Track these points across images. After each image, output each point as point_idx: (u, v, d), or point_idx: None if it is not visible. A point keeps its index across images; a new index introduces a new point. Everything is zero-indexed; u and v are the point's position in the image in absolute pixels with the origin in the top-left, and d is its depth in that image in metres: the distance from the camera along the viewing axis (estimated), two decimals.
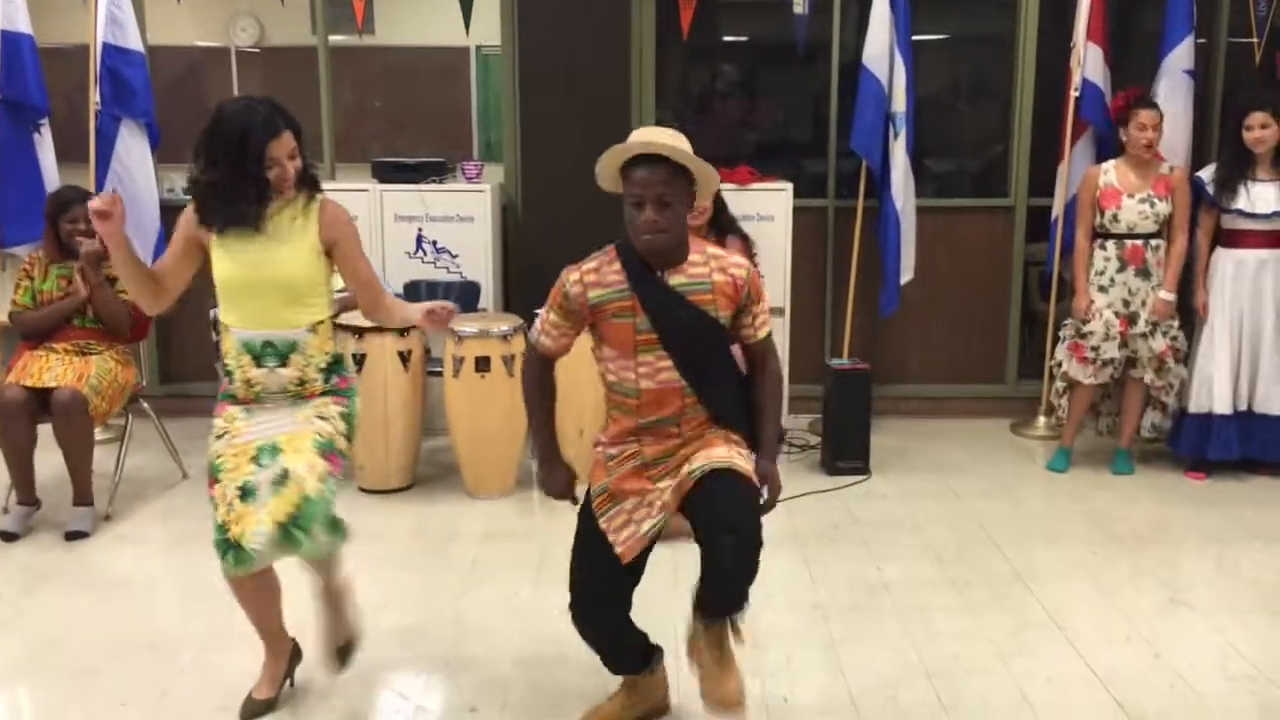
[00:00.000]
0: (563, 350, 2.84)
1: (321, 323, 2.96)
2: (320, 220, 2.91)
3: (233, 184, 2.78)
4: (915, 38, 5.61)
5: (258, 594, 3.02)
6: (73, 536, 4.35)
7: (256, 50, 9.46)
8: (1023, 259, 6.09)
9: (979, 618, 3.75)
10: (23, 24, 5.42)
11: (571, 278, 2.75)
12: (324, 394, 2.98)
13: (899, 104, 5.54)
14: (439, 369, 4.96)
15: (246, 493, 2.82)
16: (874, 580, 4.05)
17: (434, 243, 5.61)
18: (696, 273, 2.72)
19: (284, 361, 2.91)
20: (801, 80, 6.79)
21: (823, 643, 3.57)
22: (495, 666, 3.43)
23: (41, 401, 4.37)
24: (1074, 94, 5.53)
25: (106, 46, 5.45)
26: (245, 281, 2.87)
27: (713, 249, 2.79)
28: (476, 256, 5.62)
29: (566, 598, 2.89)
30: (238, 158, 2.76)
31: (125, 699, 3.22)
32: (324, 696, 3.24)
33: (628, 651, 3.01)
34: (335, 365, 3.02)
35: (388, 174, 5.68)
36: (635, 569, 2.84)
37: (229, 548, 2.81)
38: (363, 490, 4.93)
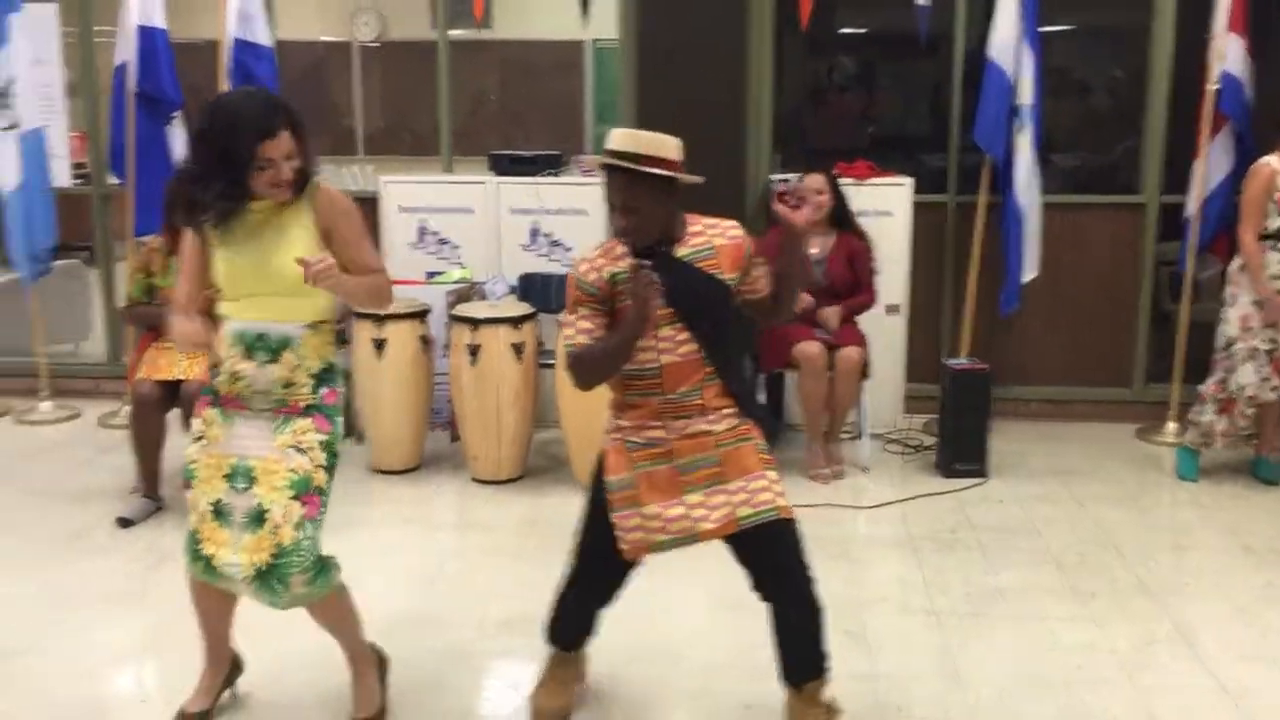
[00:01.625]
0: (598, 335, 2.80)
1: (323, 323, 2.84)
2: (315, 207, 2.78)
3: (217, 178, 2.65)
4: (1044, 29, 5.44)
5: (216, 601, 2.97)
6: None
7: (377, 45, 9.65)
8: (1153, 258, 5.86)
9: (1103, 629, 3.62)
10: (158, 19, 5.61)
11: (582, 269, 2.80)
12: (307, 409, 2.81)
13: (1025, 97, 5.38)
14: (551, 361, 4.99)
15: (220, 513, 2.80)
16: (991, 587, 3.94)
17: (549, 236, 5.64)
18: (698, 242, 2.79)
19: (275, 357, 2.78)
20: (922, 72, 6.67)
21: (938, 650, 3.48)
22: (603, 661, 3.41)
23: (170, 392, 4.51)
24: (1213, 87, 5.29)
25: (237, 41, 5.60)
26: (243, 273, 2.76)
27: (706, 219, 2.83)
28: (590, 250, 5.62)
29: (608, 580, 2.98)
30: (227, 156, 2.63)
31: (246, 676, 3.29)
32: (435, 689, 3.27)
33: (583, 629, 3.10)
34: (326, 374, 2.86)
35: (504, 167, 5.73)
36: (632, 564, 2.92)
37: (199, 557, 2.82)
38: (475, 481, 4.98)
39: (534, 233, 5.65)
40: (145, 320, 4.66)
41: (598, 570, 2.97)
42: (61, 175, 6.05)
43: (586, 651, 3.18)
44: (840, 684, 3.20)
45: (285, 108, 2.71)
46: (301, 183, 2.76)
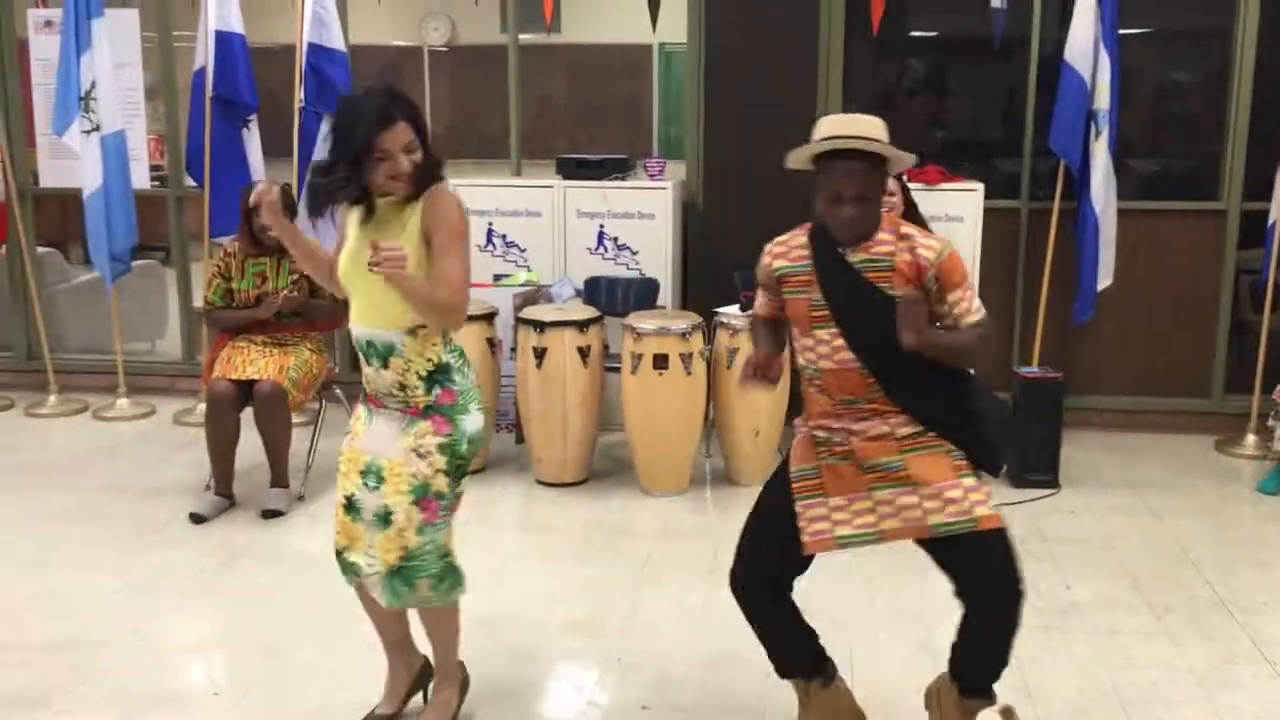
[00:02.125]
0: (771, 314, 2.89)
1: (423, 326, 2.75)
2: (424, 209, 2.70)
3: (338, 171, 2.65)
4: (1122, 31, 5.33)
5: (375, 605, 2.95)
6: (269, 515, 4.56)
7: (447, 49, 9.74)
8: (1234, 266, 5.71)
9: (1179, 646, 3.53)
10: (235, 24, 5.71)
11: (765, 249, 2.81)
12: (426, 411, 2.79)
13: (1102, 101, 5.27)
14: (617, 365, 4.99)
15: (352, 507, 2.84)
16: (1063, 600, 3.86)
17: (615, 239, 5.65)
18: (881, 251, 2.65)
19: (385, 363, 2.78)
20: (993, 76, 6.56)
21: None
22: (667, 665, 3.41)
23: (244, 392, 4.58)
24: None
25: (311, 46, 5.69)
26: (350, 276, 2.77)
27: (910, 229, 2.68)
28: (656, 254, 5.62)
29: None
30: (348, 146, 2.63)
31: (315, 674, 3.34)
32: (497, 689, 3.28)
33: (788, 644, 2.92)
34: (439, 375, 2.79)
35: (571, 170, 5.74)
36: (806, 560, 2.79)
37: (337, 556, 2.90)
38: (539, 483, 5.00)
39: (600, 236, 5.66)
40: (225, 324, 4.74)
41: (768, 566, 2.81)
42: (140, 177, 6.17)
43: (844, 684, 2.96)
44: (910, 697, 3.17)
45: (406, 102, 2.69)
46: (425, 181, 2.71)
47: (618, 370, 4.98)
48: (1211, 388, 5.80)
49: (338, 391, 5.09)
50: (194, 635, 3.63)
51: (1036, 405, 4.96)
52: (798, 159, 2.65)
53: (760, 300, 2.92)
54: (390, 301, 2.68)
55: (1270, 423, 4.92)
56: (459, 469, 2.83)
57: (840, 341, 2.66)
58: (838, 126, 2.62)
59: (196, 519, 4.51)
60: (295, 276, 4.68)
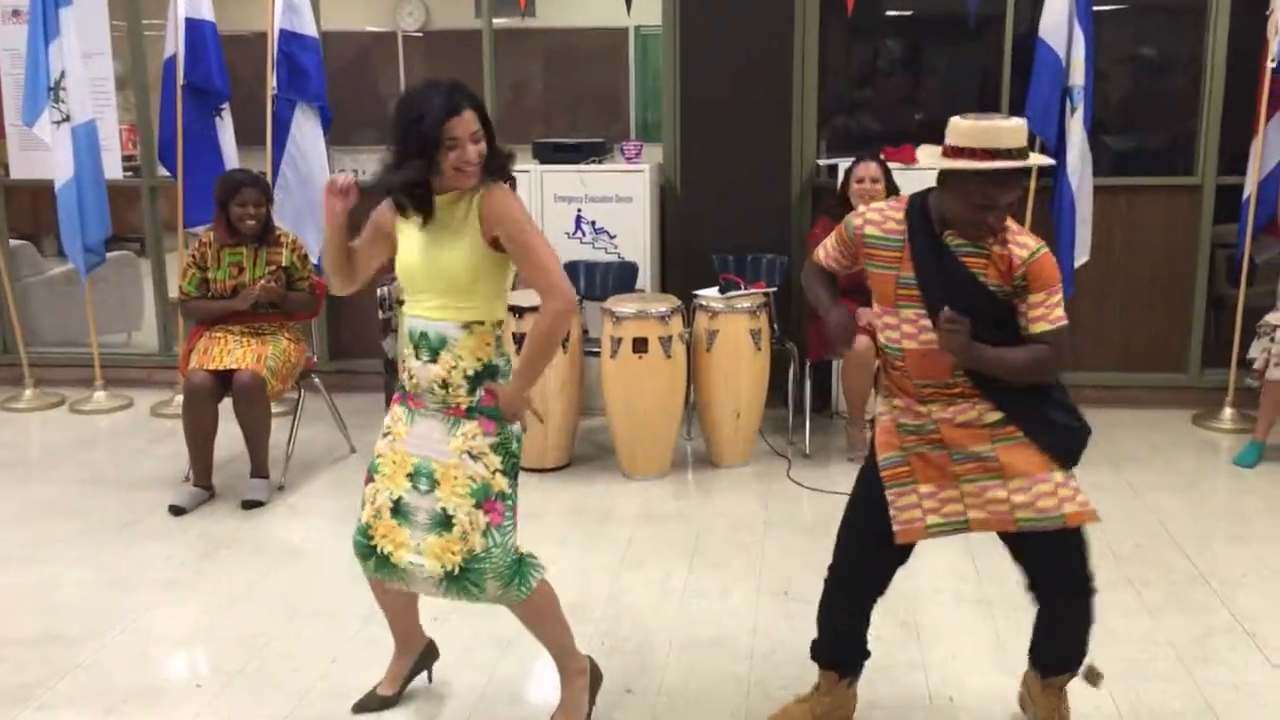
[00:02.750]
0: (831, 264, 2.84)
1: (480, 323, 2.74)
2: (481, 212, 2.68)
3: (410, 165, 2.64)
4: (1096, 8, 5.33)
5: (394, 595, 2.98)
6: (249, 505, 4.54)
7: (421, 34, 9.67)
8: (1209, 241, 5.74)
9: (1159, 620, 3.55)
10: (206, 12, 5.65)
11: (857, 210, 2.77)
12: (469, 412, 2.75)
13: (1077, 78, 5.27)
14: (597, 349, 4.98)
15: (400, 512, 2.78)
16: None
17: (593, 223, 5.63)
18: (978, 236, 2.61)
19: (434, 357, 2.74)
20: (970, 55, 6.56)
21: (990, 640, 3.44)
22: (650, 649, 3.41)
23: (222, 382, 4.55)
24: (1271, 65, 5.16)
25: (283, 33, 5.64)
26: (414, 269, 2.74)
27: (1015, 225, 2.63)
28: (635, 237, 5.61)
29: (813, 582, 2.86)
30: (415, 136, 2.60)
31: (296, 664, 3.33)
32: (482, 674, 3.28)
33: (847, 641, 2.91)
34: (485, 374, 2.76)
35: (548, 155, 5.72)
36: (905, 550, 2.78)
37: (370, 553, 2.81)
38: (521, 469, 4.98)
39: (578, 220, 5.64)
40: (201, 314, 4.71)
41: (867, 559, 2.80)
42: (112, 167, 6.11)
43: (856, 689, 2.97)
44: (893, 673, 3.19)
45: (470, 92, 2.68)
46: (492, 172, 2.71)
47: (597, 354, 4.97)
48: (1189, 362, 5.84)
49: (316, 381, 5.07)
50: (175, 627, 3.61)
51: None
52: (940, 165, 2.56)
53: (827, 247, 2.83)
54: (448, 293, 2.70)
55: (1251, 354, 4.96)
56: (514, 467, 2.82)
57: (926, 322, 2.61)
58: (999, 138, 2.49)
59: (176, 511, 4.49)
60: (272, 267, 4.64)
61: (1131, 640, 3.42)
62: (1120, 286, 5.81)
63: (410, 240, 2.76)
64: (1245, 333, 5.27)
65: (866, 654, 2.94)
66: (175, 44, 5.65)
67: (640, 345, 4.74)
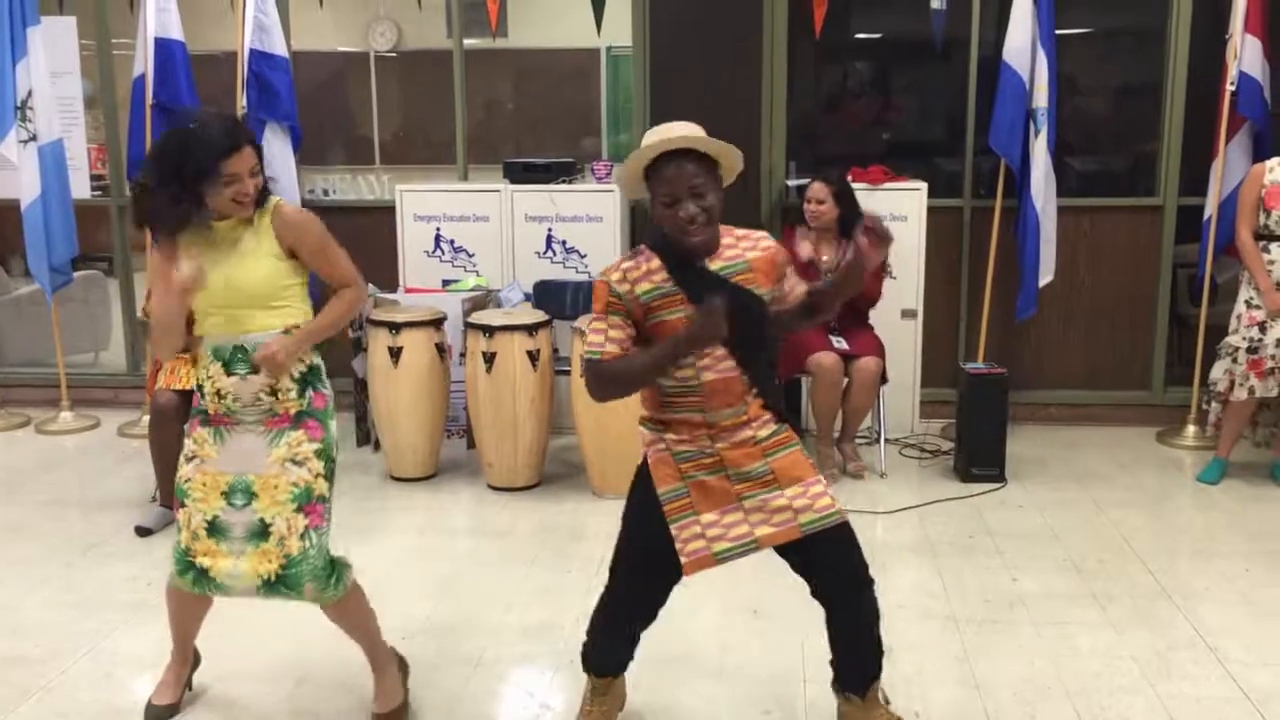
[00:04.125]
0: (625, 347, 2.61)
1: (298, 326, 2.89)
2: (274, 227, 2.84)
3: (178, 197, 2.73)
4: (1059, 31, 5.42)
5: (192, 606, 3.06)
6: None
7: (394, 54, 9.69)
8: (1171, 261, 5.83)
9: (1122, 635, 3.59)
10: (175, 32, 5.65)
11: (614, 278, 2.61)
12: (298, 417, 2.87)
13: (1041, 100, 5.36)
14: (567, 368, 4.99)
15: (216, 530, 2.85)
16: (1009, 592, 3.92)
17: (563, 242, 5.65)
18: (732, 255, 2.65)
19: (255, 368, 2.83)
20: (936, 77, 6.65)
21: (955, 656, 3.47)
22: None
23: (190, 402, 4.51)
24: (1229, 88, 5.26)
25: (253, 52, 5.65)
26: (213, 289, 2.79)
27: (738, 230, 2.70)
28: (605, 256, 5.63)
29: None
30: (192, 172, 2.70)
31: (263, 685, 3.31)
32: (452, 696, 3.27)
33: (621, 654, 2.98)
34: (311, 377, 2.92)
35: (518, 174, 5.74)
36: (677, 577, 2.77)
37: (190, 568, 2.87)
38: (491, 487, 4.99)
39: (549, 239, 5.66)
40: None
41: (641, 586, 2.83)
42: (80, 187, 6.09)
43: (624, 676, 3.07)
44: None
45: (244, 126, 2.84)
46: (260, 201, 2.84)
47: (568, 373, 4.98)
48: (1152, 380, 5.91)
49: None
50: (141, 649, 3.58)
51: (982, 400, 5.03)
52: (630, 184, 2.63)
53: (615, 335, 2.59)
54: (262, 307, 2.82)
55: (1213, 375, 5.02)
56: (333, 472, 2.92)
57: (723, 350, 2.60)
58: (658, 134, 2.58)
59: (142, 532, 4.46)
60: None
61: (1095, 654, 3.46)
62: (1085, 306, 5.89)
63: (195, 262, 2.79)
64: (1207, 351, 5.34)
65: (630, 658, 2.98)
66: (144, 63, 5.65)
67: None
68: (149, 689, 3.37)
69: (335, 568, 2.91)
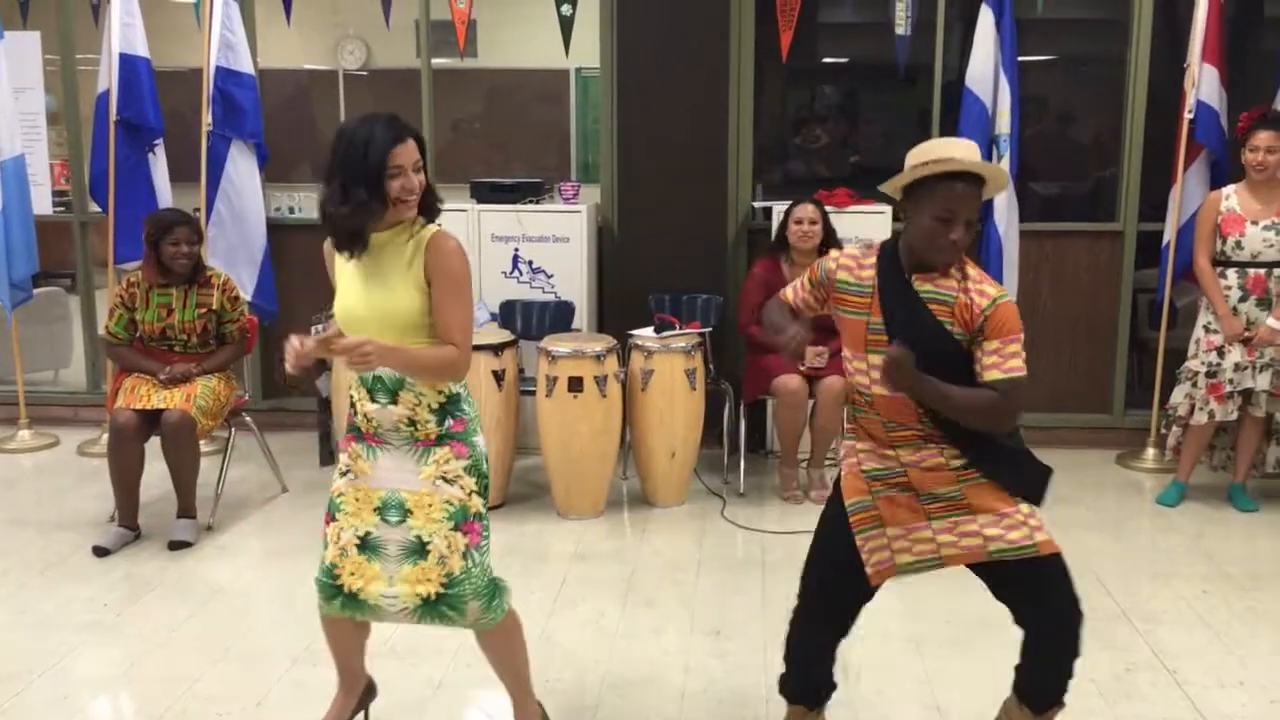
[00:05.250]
0: (799, 304, 2.84)
1: None
2: (426, 256, 2.68)
3: (356, 194, 2.60)
4: (1021, 58, 5.50)
5: (351, 634, 2.96)
6: (176, 546, 4.46)
7: (363, 73, 9.68)
8: (1131, 285, 5.90)
9: (1082, 657, 3.60)
10: (140, 48, 5.62)
11: (832, 254, 2.78)
12: (440, 439, 2.74)
13: (1003, 126, 5.43)
14: (532, 388, 4.99)
15: (368, 546, 2.74)
16: (971, 614, 3.92)
17: (530, 262, 5.65)
18: (946, 285, 2.62)
19: (394, 398, 2.71)
20: (902, 102, 6.72)
21: (917, 678, 3.48)
22: (583, 688, 3.41)
23: (149, 421, 4.48)
24: (1188, 116, 5.35)
25: (219, 69, 5.62)
26: (356, 311, 2.72)
27: (974, 271, 2.66)
28: (572, 277, 5.64)
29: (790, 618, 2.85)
30: (361, 167, 2.59)
31: (221, 707, 3.27)
32: (411, 715, 3.25)
33: (813, 676, 2.93)
34: (451, 405, 2.75)
35: (485, 194, 5.74)
36: (871, 591, 2.79)
37: (337, 593, 2.75)
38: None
39: (515, 259, 5.66)
40: (120, 361, 4.66)
41: (829, 597, 2.83)
42: (43, 203, 6.03)
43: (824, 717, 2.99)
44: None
45: (409, 124, 2.69)
46: (426, 206, 2.74)
47: (533, 393, 4.98)
48: (1113, 403, 5.98)
49: (247, 419, 5.01)
50: (99, 670, 3.53)
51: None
52: (900, 181, 2.63)
53: (798, 287, 2.83)
54: (411, 335, 2.67)
55: (1173, 399, 5.08)
56: (486, 489, 2.81)
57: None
58: (950, 149, 2.59)
59: (100, 552, 4.40)
60: (202, 310, 4.60)
61: None
62: (1047, 329, 5.94)
63: (349, 281, 2.74)
64: (1167, 374, 5.41)
65: (833, 686, 2.96)
66: (109, 79, 5.61)
67: (575, 384, 4.76)
68: (106, 711, 3.33)
69: (496, 589, 2.81)
